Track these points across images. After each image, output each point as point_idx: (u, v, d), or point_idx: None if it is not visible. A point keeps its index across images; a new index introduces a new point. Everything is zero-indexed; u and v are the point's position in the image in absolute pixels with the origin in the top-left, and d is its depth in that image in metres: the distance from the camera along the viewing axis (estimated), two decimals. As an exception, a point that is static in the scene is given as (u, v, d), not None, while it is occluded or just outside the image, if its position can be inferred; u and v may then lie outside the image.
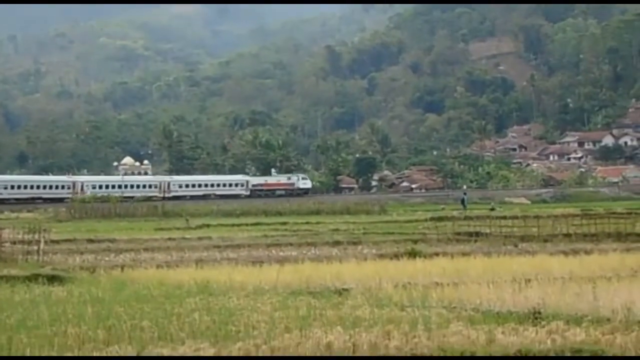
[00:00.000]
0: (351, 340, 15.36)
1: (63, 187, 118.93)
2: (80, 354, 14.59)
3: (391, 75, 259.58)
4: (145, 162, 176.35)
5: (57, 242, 43.76)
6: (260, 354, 14.68)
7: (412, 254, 34.68)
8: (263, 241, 45.35)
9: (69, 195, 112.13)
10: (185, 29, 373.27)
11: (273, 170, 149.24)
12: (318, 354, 14.72)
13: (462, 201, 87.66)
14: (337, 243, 43.58)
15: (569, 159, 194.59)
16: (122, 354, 14.48)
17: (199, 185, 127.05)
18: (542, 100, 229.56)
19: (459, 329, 16.14)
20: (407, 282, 23.88)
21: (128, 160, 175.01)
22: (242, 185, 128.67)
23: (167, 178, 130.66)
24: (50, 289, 24.72)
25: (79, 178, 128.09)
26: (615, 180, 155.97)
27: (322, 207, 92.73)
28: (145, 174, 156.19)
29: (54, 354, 14.58)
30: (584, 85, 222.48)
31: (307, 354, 14.71)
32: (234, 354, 14.72)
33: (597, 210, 74.08)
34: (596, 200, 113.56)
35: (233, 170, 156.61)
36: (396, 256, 34.30)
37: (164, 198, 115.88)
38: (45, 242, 38.77)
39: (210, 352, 14.70)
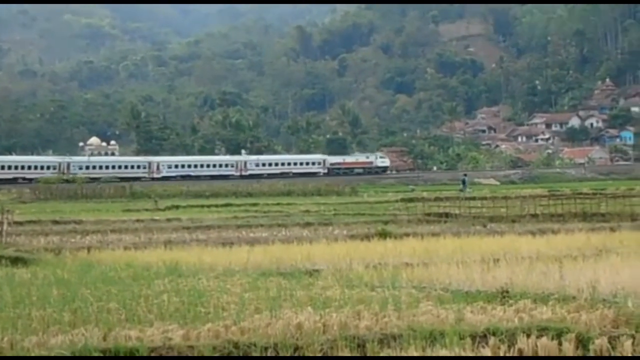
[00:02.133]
0: (321, 320, 15.40)
1: (138, 167, 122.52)
2: (45, 337, 14.50)
3: (362, 56, 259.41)
4: (112, 142, 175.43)
5: (20, 223, 43.17)
6: (230, 335, 14.69)
7: (383, 235, 34.76)
8: (233, 222, 45.21)
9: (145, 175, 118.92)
10: (153, 8, 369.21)
11: (243, 151, 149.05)
12: (288, 335, 14.76)
13: (463, 182, 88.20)
14: (307, 224, 43.54)
15: (536, 140, 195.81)
16: (88, 336, 14.42)
17: (276, 164, 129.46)
18: (511, 82, 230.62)
19: (429, 309, 16.24)
20: (377, 262, 23.95)
21: (94, 140, 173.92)
22: (320, 164, 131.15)
23: (243, 157, 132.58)
24: (14, 271, 24.30)
25: (154, 159, 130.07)
26: (582, 161, 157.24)
27: (293, 189, 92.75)
28: (113, 154, 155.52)
29: (17, 337, 14.45)
30: (552, 68, 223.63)
31: (278, 335, 14.74)
32: (203, 335, 14.73)
33: (564, 191, 74.71)
34: (563, 181, 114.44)
35: (202, 151, 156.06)
36: (367, 237, 34.35)
37: (241, 176, 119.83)
38: (9, 223, 38.09)
39: (179, 334, 14.68)
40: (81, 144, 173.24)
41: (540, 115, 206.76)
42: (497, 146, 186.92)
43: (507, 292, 17.57)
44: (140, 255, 28.48)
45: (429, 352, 13.96)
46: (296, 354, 14.21)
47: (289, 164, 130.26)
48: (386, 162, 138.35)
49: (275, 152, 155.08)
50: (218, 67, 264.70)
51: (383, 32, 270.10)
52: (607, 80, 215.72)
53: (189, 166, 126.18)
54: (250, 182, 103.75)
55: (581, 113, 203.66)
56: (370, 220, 45.44)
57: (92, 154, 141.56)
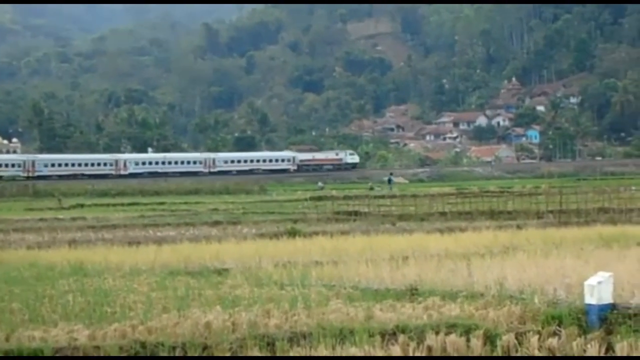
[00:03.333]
0: (231, 319, 15.29)
1: (105, 164, 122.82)
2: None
3: (270, 54, 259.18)
4: (14, 140, 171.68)
5: None
6: (137, 335, 14.46)
7: (292, 233, 34.74)
8: (140, 221, 44.77)
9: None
10: (57, 4, 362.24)
11: (150, 149, 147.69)
12: (197, 334, 14.60)
13: (389, 181, 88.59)
14: (216, 223, 43.35)
15: (444, 138, 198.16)
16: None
17: (245, 161, 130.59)
18: (419, 81, 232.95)
19: (338, 307, 16.22)
20: (287, 261, 23.87)
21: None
22: (289, 161, 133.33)
23: (212, 155, 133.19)
24: None
25: (121, 156, 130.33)
26: (489, 159, 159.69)
27: (201, 187, 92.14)
28: (14, 152, 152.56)
29: None
30: (459, 67, 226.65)
31: (186, 334, 14.56)
32: (110, 335, 14.47)
33: (472, 189, 75.63)
34: (470, 180, 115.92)
35: (107, 149, 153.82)
36: (276, 235, 34.28)
37: (210, 173, 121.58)
38: None
39: (85, 334, 14.40)
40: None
41: (448, 114, 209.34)
42: (405, 145, 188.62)
43: (416, 289, 17.63)
44: (44, 255, 27.97)
45: (338, 350, 13.92)
46: (205, 353, 14.05)
47: (258, 160, 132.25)
48: (355, 158, 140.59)
49: (182, 150, 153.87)
50: (123, 64, 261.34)
51: (291, 30, 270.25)
52: (513, 79, 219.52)
53: (157, 163, 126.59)
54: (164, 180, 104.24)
55: (488, 112, 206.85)
56: (280, 219, 45.41)
57: None
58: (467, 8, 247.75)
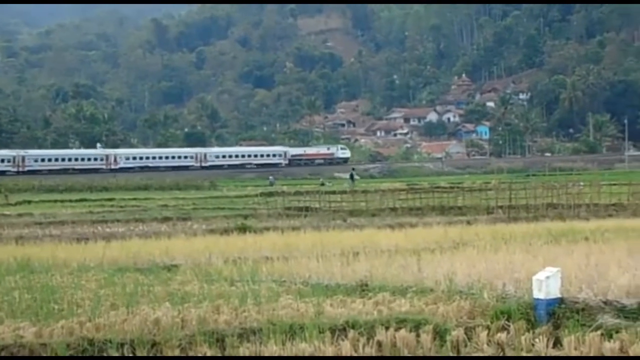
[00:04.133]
0: (180, 315, 15.18)
1: (95, 159, 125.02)
2: None
3: (220, 49, 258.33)
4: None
5: None
6: (84, 332, 14.31)
7: (243, 229, 34.63)
8: (88, 217, 44.40)
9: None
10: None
11: (98, 144, 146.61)
12: (145, 331, 14.47)
13: (351, 177, 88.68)
14: (166, 219, 43.12)
15: (395, 134, 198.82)
16: None
17: (237, 156, 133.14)
18: (370, 77, 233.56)
19: (289, 302, 16.18)
20: (237, 257, 23.77)
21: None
22: (280, 156, 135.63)
23: (203, 150, 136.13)
24: None
25: (111, 151, 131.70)
26: (439, 155, 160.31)
27: (151, 183, 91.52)
28: None
29: None
30: (409, 62, 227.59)
31: (134, 331, 14.42)
32: (57, 332, 14.30)
33: (422, 185, 75.98)
34: (421, 175, 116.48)
35: (55, 145, 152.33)
36: (226, 231, 34.17)
37: (202, 167, 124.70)
38: None
39: (31, 331, 14.22)
40: None
41: (399, 110, 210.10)
42: (356, 140, 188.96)
43: (367, 285, 17.63)
44: (-11, 252, 27.54)
45: (288, 346, 13.88)
46: (154, 350, 13.94)
47: (249, 155, 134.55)
48: (347, 153, 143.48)
49: (132, 146, 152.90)
50: (71, 59, 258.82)
51: (241, 25, 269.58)
52: (464, 75, 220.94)
53: (147, 158, 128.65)
54: (118, 175, 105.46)
55: (438, 108, 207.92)
56: (230, 215, 45.29)
57: None
58: (417, 4, 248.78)
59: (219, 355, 13.93)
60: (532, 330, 14.26)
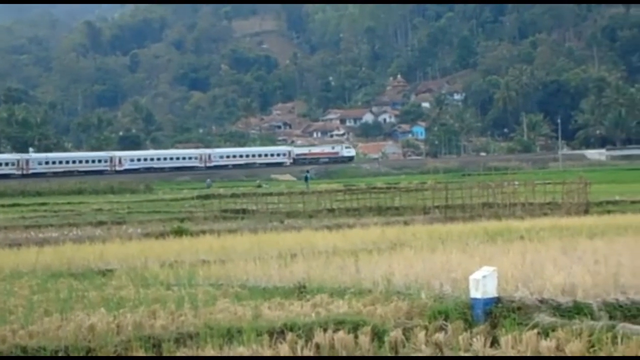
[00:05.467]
0: (115, 321, 14.98)
1: (100, 161, 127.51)
2: None
3: (154, 52, 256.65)
4: None
5: None
6: (17, 340, 14.04)
7: (179, 233, 34.39)
8: (21, 223, 43.79)
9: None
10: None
11: (31, 149, 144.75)
12: (80, 337, 14.24)
13: (305, 179, 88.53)
14: (100, 223, 42.68)
15: (331, 135, 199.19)
16: None
17: (241, 156, 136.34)
18: (305, 78, 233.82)
19: (226, 306, 16.05)
20: (173, 260, 23.55)
21: None
22: (285, 155, 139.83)
23: (208, 150, 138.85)
24: None
25: (116, 153, 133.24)
26: (376, 156, 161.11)
27: (85, 187, 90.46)
28: None
29: None
30: (345, 64, 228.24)
31: (69, 337, 14.19)
32: (-11, 341, 14.01)
33: (359, 186, 76.12)
34: (358, 176, 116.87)
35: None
36: (162, 235, 33.85)
37: (207, 168, 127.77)
38: None
39: (-38, 341, 13.90)
40: None
41: (335, 111, 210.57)
42: (292, 142, 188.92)
43: (304, 287, 17.55)
44: None
45: (226, 350, 13.75)
46: (89, 357, 13.72)
47: (254, 155, 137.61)
48: (352, 152, 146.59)
49: (65, 150, 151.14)
50: (2, 63, 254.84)
51: (175, 27, 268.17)
52: (399, 76, 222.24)
53: (152, 159, 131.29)
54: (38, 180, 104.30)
55: (374, 109, 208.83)
56: (166, 218, 44.99)
57: None
58: (351, 6, 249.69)
59: None
60: (470, 330, 14.28)
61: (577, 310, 14.63)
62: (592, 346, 13.19)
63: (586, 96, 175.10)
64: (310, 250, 24.57)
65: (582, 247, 22.47)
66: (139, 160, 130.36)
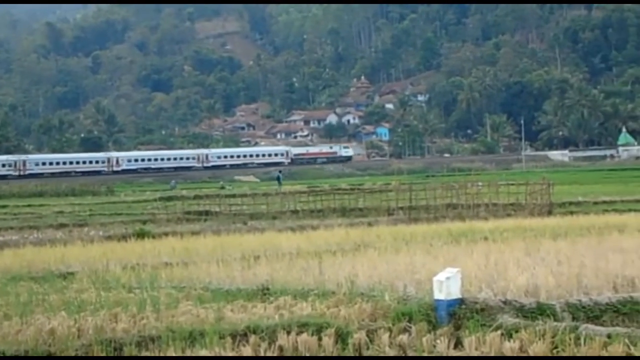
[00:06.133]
0: (76, 325, 14.84)
1: (97, 162, 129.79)
2: None
3: (117, 54, 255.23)
4: None
5: None
6: (-25, 345, 13.82)
7: (141, 235, 34.11)
8: (-20, 226, 43.19)
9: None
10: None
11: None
12: (40, 341, 14.08)
13: (278, 179, 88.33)
14: (61, 226, 42.27)
15: (295, 137, 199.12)
16: None
17: (238, 156, 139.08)
18: (269, 80, 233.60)
19: (188, 309, 15.92)
20: (135, 263, 23.36)
21: None
22: (283, 155, 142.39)
23: (205, 151, 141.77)
24: None
25: (113, 154, 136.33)
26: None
27: (46, 189, 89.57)
28: None
29: None
30: (308, 65, 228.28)
31: (29, 341, 14.02)
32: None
33: (323, 187, 76.03)
34: (322, 177, 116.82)
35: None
36: (124, 237, 33.60)
37: (204, 168, 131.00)
38: None
39: None
40: None
41: (299, 112, 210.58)
42: (256, 143, 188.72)
43: (268, 289, 17.45)
44: None
45: (188, 353, 13.65)
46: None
47: (251, 155, 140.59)
48: (349, 152, 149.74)
49: (26, 152, 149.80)
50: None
51: (138, 29, 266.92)
52: (362, 78, 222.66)
53: (150, 159, 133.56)
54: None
55: (338, 110, 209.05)
56: (128, 220, 44.68)
57: None
58: (315, 7, 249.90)
59: None
60: (434, 332, 14.26)
61: (541, 311, 14.65)
62: (555, 347, 13.20)
63: (549, 97, 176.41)
64: (273, 252, 24.46)
65: (545, 248, 22.55)
66: (136, 160, 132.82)
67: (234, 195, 65.49)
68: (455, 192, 52.79)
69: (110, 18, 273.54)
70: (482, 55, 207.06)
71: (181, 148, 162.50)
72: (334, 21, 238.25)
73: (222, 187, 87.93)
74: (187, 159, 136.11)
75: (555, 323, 13.85)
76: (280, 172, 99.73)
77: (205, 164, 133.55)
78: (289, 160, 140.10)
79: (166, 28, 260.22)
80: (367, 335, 14.25)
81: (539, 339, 13.26)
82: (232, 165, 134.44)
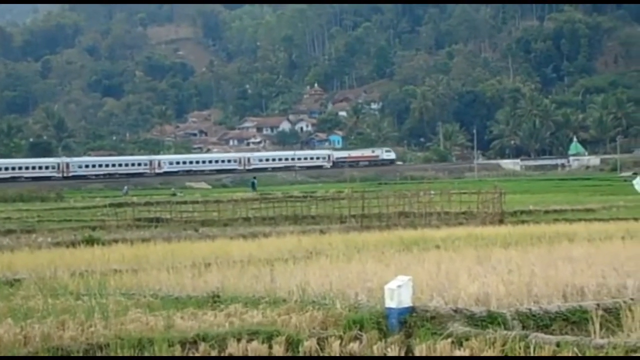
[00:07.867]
0: (22, 332, 14.63)
1: (139, 164, 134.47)
2: None
3: (67, 58, 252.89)
4: None
5: None
6: None
7: (90, 241, 33.80)
8: None
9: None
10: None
11: None
12: (-14, 349, 13.84)
13: (252, 185, 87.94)
14: (9, 232, 41.75)
15: (248, 144, 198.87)
16: None
17: (279, 159, 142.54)
18: (222, 86, 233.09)
19: (138, 316, 15.74)
20: (84, 270, 23.06)
21: None
22: (325, 158, 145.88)
23: (247, 154, 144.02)
24: None
25: (155, 157, 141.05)
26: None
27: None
28: None
29: None
30: (262, 72, 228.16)
31: (-26, 350, 13.78)
32: None
33: (275, 194, 75.87)
34: (274, 184, 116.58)
35: None
36: (73, 244, 33.24)
37: (246, 170, 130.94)
38: None
39: None
40: None
41: (252, 119, 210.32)
42: (208, 150, 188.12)
43: (218, 296, 17.33)
44: None
45: (137, 362, 13.48)
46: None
47: (292, 159, 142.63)
48: (392, 155, 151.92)
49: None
50: None
51: (89, 33, 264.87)
52: (316, 85, 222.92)
53: (191, 162, 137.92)
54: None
55: (291, 117, 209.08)
56: (77, 226, 44.25)
57: None
58: (268, 14, 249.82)
59: None
60: (385, 340, 14.23)
61: (491, 319, 14.67)
62: (506, 355, 13.23)
63: (501, 107, 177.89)
64: (225, 260, 24.31)
65: (496, 257, 22.62)
66: (177, 163, 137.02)
67: (185, 202, 65.17)
68: (408, 201, 52.94)
69: (61, 22, 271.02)
70: (435, 64, 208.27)
71: (132, 154, 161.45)
72: (288, 28, 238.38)
73: (174, 194, 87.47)
74: (230, 161, 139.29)
75: (505, 331, 13.88)
76: (254, 177, 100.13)
77: (247, 167, 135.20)
78: (331, 164, 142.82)
79: (118, 33, 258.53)
80: (318, 343, 14.20)
81: (489, 347, 13.28)
82: (274, 169, 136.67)
